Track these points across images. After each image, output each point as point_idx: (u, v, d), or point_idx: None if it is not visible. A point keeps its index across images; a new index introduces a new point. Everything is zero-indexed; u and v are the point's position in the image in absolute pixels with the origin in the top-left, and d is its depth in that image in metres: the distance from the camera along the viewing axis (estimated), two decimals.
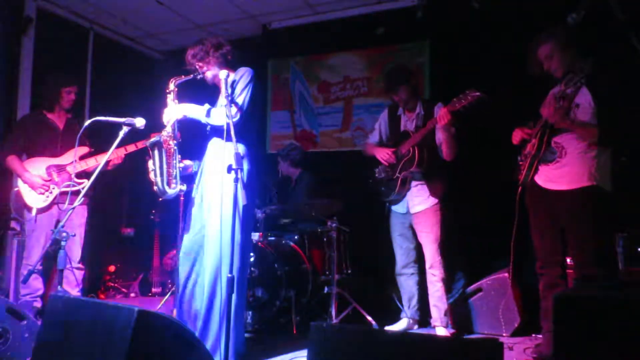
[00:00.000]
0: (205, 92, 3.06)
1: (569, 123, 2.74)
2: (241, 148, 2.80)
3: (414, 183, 3.54)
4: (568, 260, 2.96)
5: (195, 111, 2.85)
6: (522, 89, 3.50)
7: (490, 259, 3.94)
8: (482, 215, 4.15)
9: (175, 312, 2.87)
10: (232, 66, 2.99)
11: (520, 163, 2.98)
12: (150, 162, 2.81)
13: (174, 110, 2.86)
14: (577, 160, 2.76)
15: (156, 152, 2.79)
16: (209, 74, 2.94)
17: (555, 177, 2.82)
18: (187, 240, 2.91)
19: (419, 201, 3.53)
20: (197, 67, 2.94)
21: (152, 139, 2.78)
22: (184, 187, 2.87)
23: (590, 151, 2.74)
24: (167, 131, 2.84)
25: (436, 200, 3.51)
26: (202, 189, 2.91)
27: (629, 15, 3.48)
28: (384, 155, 3.60)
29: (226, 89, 2.67)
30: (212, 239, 2.75)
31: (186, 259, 2.87)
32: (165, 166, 2.81)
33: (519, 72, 3.87)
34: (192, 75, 2.94)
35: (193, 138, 3.04)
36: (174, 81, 2.91)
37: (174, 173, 2.84)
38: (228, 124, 2.53)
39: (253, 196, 2.89)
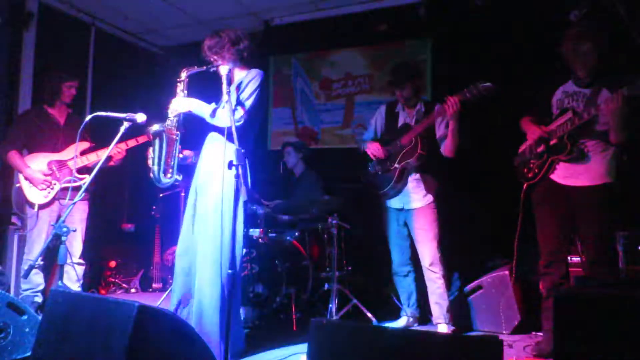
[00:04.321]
0: (217, 84, 3.05)
1: (623, 114, 2.67)
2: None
3: (411, 177, 3.53)
4: (569, 259, 2.97)
5: (201, 109, 2.85)
6: (523, 86, 3.49)
7: (487, 257, 3.95)
8: (478, 213, 4.15)
9: (174, 307, 2.87)
10: (246, 63, 2.98)
11: (532, 161, 2.97)
12: (150, 150, 2.82)
13: (181, 103, 2.86)
14: (598, 157, 2.80)
15: (157, 141, 2.81)
16: (221, 68, 2.93)
17: (576, 172, 2.83)
18: (184, 235, 2.90)
19: (415, 198, 3.52)
20: (212, 60, 2.92)
21: (156, 128, 2.79)
22: (180, 177, 2.87)
23: (608, 150, 2.80)
24: (171, 120, 2.84)
25: (432, 198, 3.51)
26: (199, 184, 2.90)
27: (632, 13, 3.47)
28: (373, 150, 3.60)
29: (227, 85, 2.66)
30: (210, 235, 2.74)
31: (183, 253, 2.87)
32: (164, 155, 2.82)
33: (521, 69, 3.87)
34: (205, 67, 2.92)
35: (195, 129, 3.04)
36: (186, 71, 2.90)
37: (172, 163, 2.85)
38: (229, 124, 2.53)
39: (249, 192, 2.89)
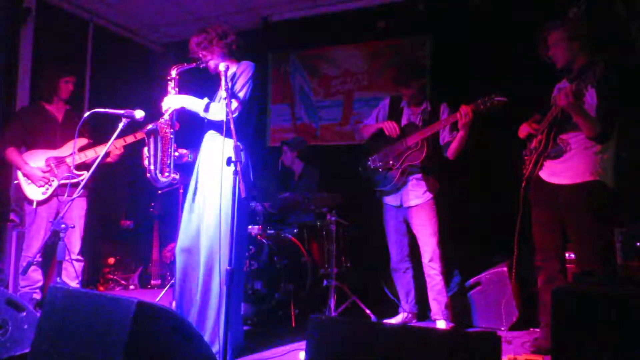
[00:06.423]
0: (209, 81, 3.04)
1: (579, 108, 2.69)
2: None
3: (411, 177, 3.53)
4: (567, 254, 2.98)
5: (194, 104, 2.84)
6: (523, 84, 3.49)
7: (486, 253, 3.96)
8: (478, 210, 4.16)
9: (174, 304, 2.87)
10: (236, 56, 2.97)
11: (526, 158, 2.99)
12: (145, 149, 2.81)
13: (174, 100, 2.85)
14: (581, 155, 2.77)
15: (152, 140, 2.79)
16: (212, 64, 2.92)
17: (558, 171, 2.84)
18: (184, 232, 2.90)
19: (414, 195, 3.53)
20: (201, 55, 2.92)
21: (149, 127, 2.78)
22: (177, 176, 2.87)
23: (595, 147, 2.76)
24: (165, 119, 2.83)
25: (431, 195, 3.52)
26: (199, 181, 2.90)
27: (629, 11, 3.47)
28: (389, 127, 3.51)
29: (226, 82, 2.66)
30: (210, 231, 2.75)
31: (183, 251, 2.87)
32: (159, 154, 2.80)
33: (521, 67, 3.86)
34: (195, 64, 2.92)
35: (190, 127, 3.04)
36: (176, 69, 2.90)
37: (168, 161, 2.84)
38: (227, 118, 2.52)
39: (249, 189, 2.89)
